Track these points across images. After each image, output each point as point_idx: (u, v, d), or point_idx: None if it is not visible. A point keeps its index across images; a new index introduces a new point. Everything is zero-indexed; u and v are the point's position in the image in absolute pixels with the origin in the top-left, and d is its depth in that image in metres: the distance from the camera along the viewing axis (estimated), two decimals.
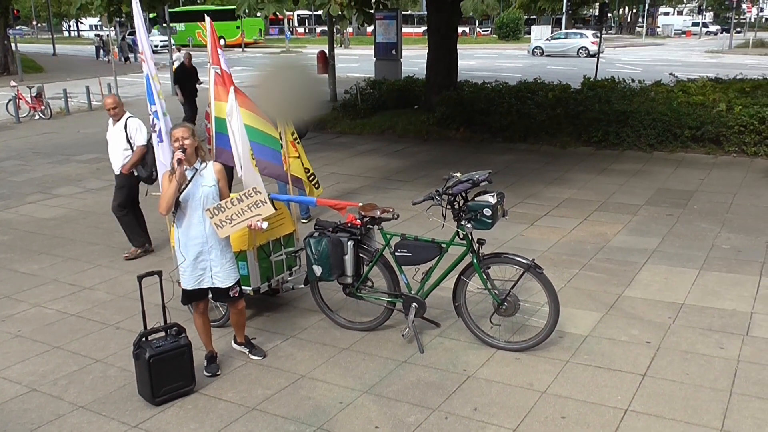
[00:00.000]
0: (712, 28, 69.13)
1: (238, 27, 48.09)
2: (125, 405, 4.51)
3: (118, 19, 20.77)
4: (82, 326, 5.74)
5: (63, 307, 6.16)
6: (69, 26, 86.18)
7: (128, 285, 6.47)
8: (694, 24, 69.03)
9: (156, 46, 44.28)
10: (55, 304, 6.22)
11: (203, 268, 4.65)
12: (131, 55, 37.60)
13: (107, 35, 35.50)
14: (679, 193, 9.22)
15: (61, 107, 19.39)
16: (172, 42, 27.11)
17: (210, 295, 4.85)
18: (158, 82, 5.67)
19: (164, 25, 30.66)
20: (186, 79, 15.07)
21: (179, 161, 4.44)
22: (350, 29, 56.33)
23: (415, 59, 24.98)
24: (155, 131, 5.75)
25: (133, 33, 34.92)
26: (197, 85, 15.23)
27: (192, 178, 4.55)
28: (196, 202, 4.57)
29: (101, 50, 40.97)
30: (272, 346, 5.27)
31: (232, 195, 4.69)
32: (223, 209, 4.56)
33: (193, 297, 4.76)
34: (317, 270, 5.22)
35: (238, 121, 5.66)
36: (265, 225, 4.72)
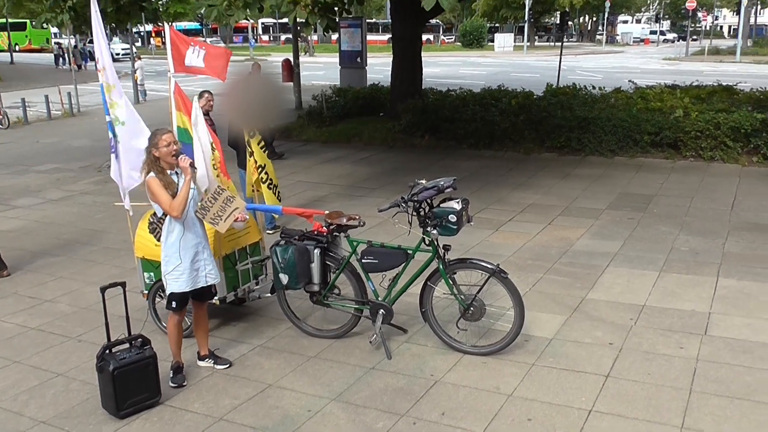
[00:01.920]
0: (669, 36, 70.89)
1: (27, 36, 52.50)
2: (89, 419, 4.43)
3: (84, 30, 20.48)
4: (43, 340, 5.63)
5: (23, 320, 6.02)
6: (27, 34, 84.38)
7: (90, 297, 6.36)
8: (652, 32, 70.69)
9: (117, 54, 43.67)
10: (14, 318, 6.08)
11: (197, 268, 4.70)
12: (83, 63, 37.27)
13: (67, 43, 34.87)
14: (640, 197, 9.42)
15: (19, 117, 18.98)
16: (134, 50, 26.75)
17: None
18: (111, 93, 5.50)
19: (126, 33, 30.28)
20: None
21: (192, 164, 4.56)
22: (315, 37, 56.33)
23: (380, 67, 25.09)
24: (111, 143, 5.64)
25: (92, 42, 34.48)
26: None
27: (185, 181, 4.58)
28: (190, 204, 4.63)
29: (60, 58, 40.23)
30: (239, 355, 5.23)
31: (205, 195, 4.83)
32: (207, 209, 4.72)
33: (184, 300, 4.74)
34: (284, 278, 5.21)
35: (203, 130, 5.62)
36: (246, 216, 5.10)
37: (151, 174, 4.56)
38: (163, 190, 4.50)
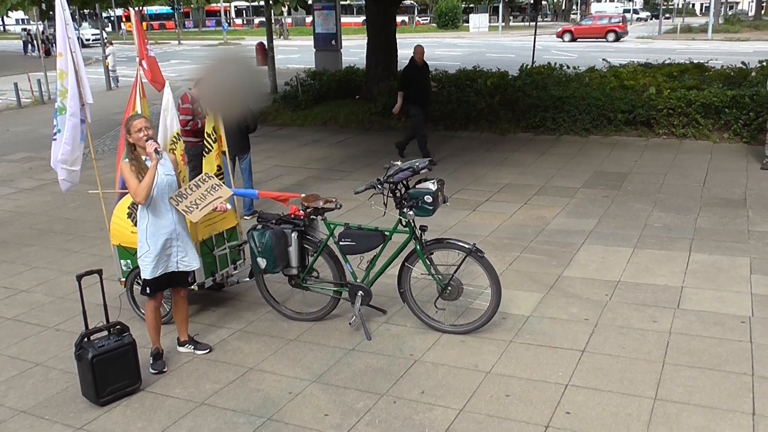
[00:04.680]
0: (643, 14, 71.26)
1: None
2: (69, 407, 4.43)
3: (51, 13, 20.02)
4: (19, 330, 5.58)
5: None
6: None
7: (67, 286, 6.31)
8: (626, 11, 71.03)
9: (87, 40, 42.90)
10: None
11: (168, 254, 4.67)
12: (52, 49, 36.46)
13: (35, 29, 34.17)
14: (614, 175, 9.54)
15: None
16: (105, 36, 26.30)
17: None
18: (64, 80, 5.37)
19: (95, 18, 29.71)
20: (417, 79, 10.64)
21: (156, 150, 4.45)
22: (289, 20, 55.77)
23: (355, 49, 24.96)
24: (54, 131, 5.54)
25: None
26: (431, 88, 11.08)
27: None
28: (162, 191, 4.59)
29: (29, 45, 39.44)
30: (219, 340, 5.24)
31: (188, 182, 4.82)
32: (185, 196, 4.68)
33: (157, 286, 4.71)
34: (262, 262, 5.22)
35: (172, 117, 5.58)
36: (228, 206, 5.02)
37: (125, 159, 4.56)
38: (133, 175, 4.48)
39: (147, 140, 4.47)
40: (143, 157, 4.56)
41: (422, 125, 10.64)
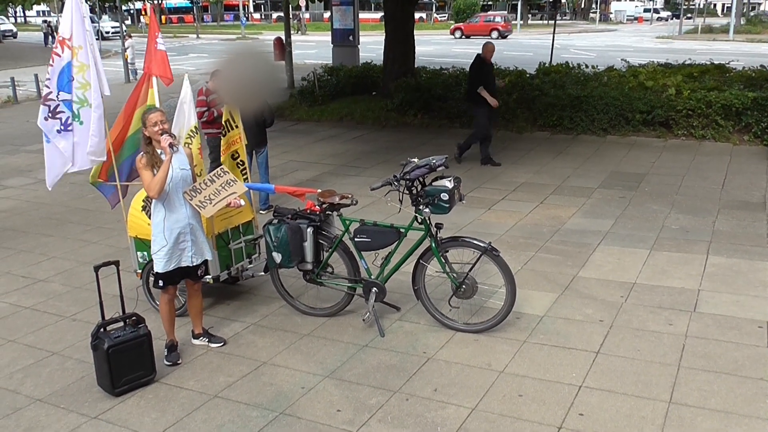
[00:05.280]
0: (663, 14, 70.61)
1: None
2: (84, 396, 4.47)
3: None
4: (37, 319, 5.64)
5: (17, 300, 6.03)
6: (15, 12, 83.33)
7: (84, 276, 6.37)
8: (646, 10, 70.40)
9: (107, 32, 43.21)
10: (8, 297, 6.09)
11: (183, 248, 4.68)
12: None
13: (56, 21, 34.47)
14: (631, 175, 9.46)
15: (9, 96, 18.81)
16: (124, 29, 26.47)
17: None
18: (85, 72, 5.39)
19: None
20: (487, 77, 10.17)
21: (171, 145, 4.47)
22: (307, 15, 55.84)
23: (372, 45, 24.93)
24: (58, 120, 5.51)
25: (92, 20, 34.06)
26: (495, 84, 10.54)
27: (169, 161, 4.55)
28: (177, 185, 4.60)
29: (50, 36, 39.75)
30: (233, 333, 5.27)
31: (203, 176, 4.81)
32: (199, 190, 4.67)
33: (169, 279, 4.74)
34: (277, 257, 5.23)
35: (189, 110, 5.59)
36: (242, 202, 4.99)
37: (141, 153, 4.59)
38: (147, 169, 4.51)
39: (162, 134, 4.49)
40: (159, 151, 4.58)
41: (486, 127, 10.10)
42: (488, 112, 10.07)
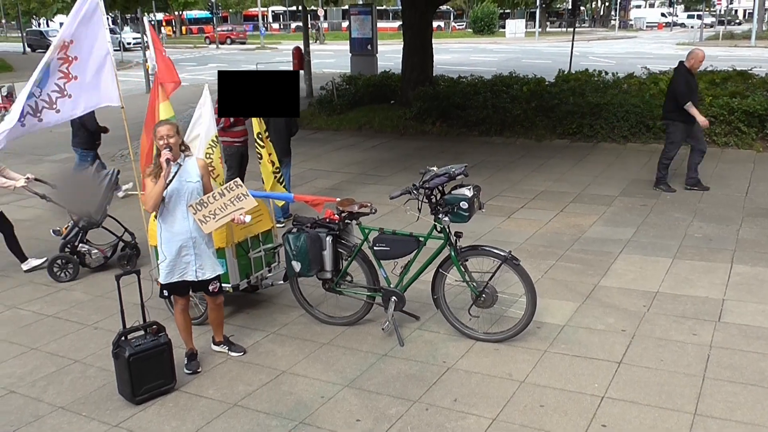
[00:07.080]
0: (688, 21, 69.98)
1: None
2: (105, 404, 4.50)
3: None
4: (59, 327, 5.70)
5: (39, 308, 6.10)
6: (39, 24, 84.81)
7: (106, 284, 6.42)
8: (668, 14, 69.83)
9: (129, 43, 43.80)
10: (31, 306, 6.16)
11: (187, 261, 4.65)
12: None
13: None
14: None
15: None
16: (145, 39, 26.79)
17: (191, 290, 4.84)
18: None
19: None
20: (694, 90, 8.88)
21: (167, 160, 4.45)
22: (326, 25, 56.18)
23: (390, 54, 24.98)
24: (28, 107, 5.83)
25: (113, 31, 34.62)
26: None
27: (175, 174, 4.54)
28: (180, 198, 4.58)
29: None
30: (252, 342, 5.27)
31: (214, 190, 4.72)
32: (205, 204, 4.58)
33: (172, 290, 4.74)
34: (296, 266, 5.24)
35: (209, 120, 5.62)
36: (248, 218, 4.76)
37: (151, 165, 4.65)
38: (149, 180, 4.54)
39: (164, 148, 4.48)
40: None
41: (676, 147, 8.84)
42: (685, 129, 8.68)
